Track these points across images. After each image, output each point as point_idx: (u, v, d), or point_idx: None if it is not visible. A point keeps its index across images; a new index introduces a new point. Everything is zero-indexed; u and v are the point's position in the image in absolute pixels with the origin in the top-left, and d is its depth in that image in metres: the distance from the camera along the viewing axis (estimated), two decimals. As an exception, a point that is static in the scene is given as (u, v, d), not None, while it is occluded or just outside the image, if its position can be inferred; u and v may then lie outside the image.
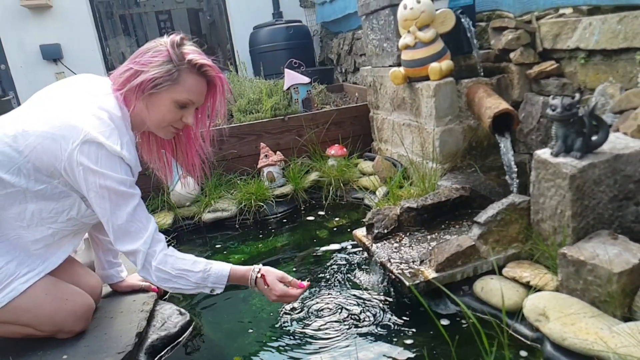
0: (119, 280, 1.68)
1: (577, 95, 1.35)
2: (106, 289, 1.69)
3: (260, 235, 2.38)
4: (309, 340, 1.45)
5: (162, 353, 1.46)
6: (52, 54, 5.16)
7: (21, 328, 1.31)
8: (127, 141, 1.28)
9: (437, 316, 1.44)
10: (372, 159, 2.76)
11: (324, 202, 2.60)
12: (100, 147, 1.22)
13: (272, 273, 1.37)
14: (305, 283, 1.40)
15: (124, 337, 1.38)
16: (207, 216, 2.49)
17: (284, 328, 1.54)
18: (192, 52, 1.32)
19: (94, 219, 1.39)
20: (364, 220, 2.17)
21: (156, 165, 1.56)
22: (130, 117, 1.33)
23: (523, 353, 1.25)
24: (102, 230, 1.63)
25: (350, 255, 1.98)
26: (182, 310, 1.61)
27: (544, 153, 1.42)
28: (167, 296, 1.81)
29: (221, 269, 1.33)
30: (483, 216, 1.54)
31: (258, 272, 1.36)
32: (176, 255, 1.31)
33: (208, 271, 1.31)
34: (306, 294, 1.68)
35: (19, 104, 5.16)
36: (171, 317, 1.56)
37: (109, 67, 5.51)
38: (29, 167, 1.25)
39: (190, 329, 1.56)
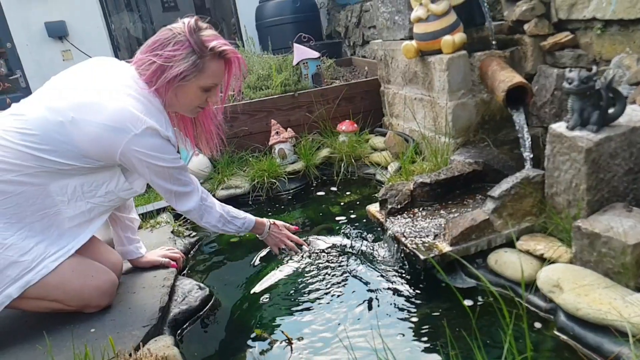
0: (138, 256, 1.73)
1: (594, 68, 1.33)
2: (126, 266, 1.73)
3: (274, 211, 2.41)
4: (325, 310, 1.49)
5: (184, 326, 1.51)
6: (58, 32, 5.12)
7: (50, 303, 1.36)
8: (169, 123, 1.41)
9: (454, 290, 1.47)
10: (383, 135, 2.76)
11: (336, 178, 2.62)
12: (154, 134, 1.34)
13: (280, 221, 1.85)
14: (294, 227, 1.89)
15: (148, 312, 1.43)
16: (221, 193, 2.52)
17: (300, 300, 1.58)
18: (212, 38, 1.39)
19: (130, 194, 1.49)
20: (375, 195, 2.20)
21: (179, 137, 1.65)
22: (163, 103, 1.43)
23: (537, 325, 1.28)
24: (120, 207, 1.67)
25: (363, 230, 2.01)
26: (202, 284, 1.66)
27: (559, 127, 1.41)
28: (185, 271, 1.87)
29: (252, 218, 1.72)
30: (497, 190, 1.55)
31: (272, 221, 1.81)
32: (229, 207, 1.67)
33: (245, 218, 1.69)
34: (322, 265, 1.73)
35: (26, 83, 5.16)
36: (191, 291, 1.61)
37: (115, 44, 5.48)
38: (76, 152, 1.32)
39: (210, 303, 1.61)
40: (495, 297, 1.03)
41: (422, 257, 1.49)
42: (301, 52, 3.00)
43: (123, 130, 1.30)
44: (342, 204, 2.36)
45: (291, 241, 1.83)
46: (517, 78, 1.85)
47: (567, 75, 1.35)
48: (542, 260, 1.41)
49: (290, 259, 1.82)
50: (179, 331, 1.49)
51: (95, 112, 1.30)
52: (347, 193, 2.47)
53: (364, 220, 2.09)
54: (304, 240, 1.89)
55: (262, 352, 1.35)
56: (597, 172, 1.33)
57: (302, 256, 1.83)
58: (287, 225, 1.86)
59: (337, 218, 2.19)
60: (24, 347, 1.30)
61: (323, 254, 1.85)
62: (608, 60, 1.82)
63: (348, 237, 1.96)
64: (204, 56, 1.38)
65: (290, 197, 2.58)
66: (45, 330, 1.31)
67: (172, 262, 1.73)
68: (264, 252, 1.94)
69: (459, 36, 2.02)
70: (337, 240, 1.93)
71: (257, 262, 1.89)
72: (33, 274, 1.29)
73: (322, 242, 1.93)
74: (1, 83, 3.50)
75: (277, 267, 1.82)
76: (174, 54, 1.36)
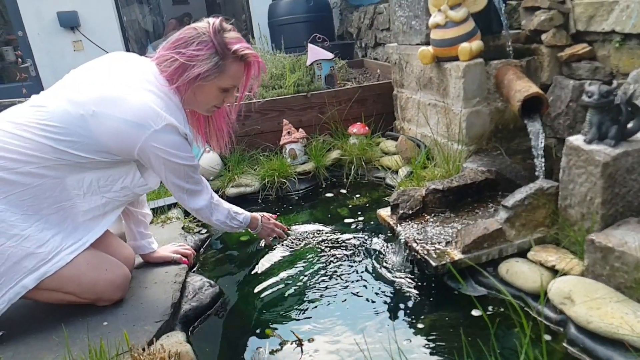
0: (150, 251, 1.74)
1: (615, 83, 1.34)
2: (137, 260, 1.74)
3: (282, 211, 2.42)
4: (336, 312, 1.50)
5: (195, 323, 1.52)
6: (70, 22, 5.13)
7: (64, 295, 1.38)
8: (187, 121, 1.43)
9: (465, 298, 1.48)
10: (394, 138, 2.76)
11: (345, 180, 2.63)
12: (173, 131, 1.35)
13: (266, 213, 1.88)
14: (274, 215, 1.92)
15: (160, 307, 1.44)
16: (231, 191, 2.53)
17: (310, 301, 1.59)
18: (235, 41, 1.40)
19: (145, 190, 1.50)
20: (385, 199, 2.20)
21: (193, 133, 1.66)
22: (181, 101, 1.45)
23: (546, 336, 1.28)
24: (133, 202, 1.68)
25: (373, 233, 2.02)
26: (212, 282, 1.67)
27: (576, 139, 1.42)
28: (195, 268, 1.88)
29: (248, 214, 1.75)
30: (510, 200, 1.55)
31: (262, 214, 1.83)
32: (229, 204, 1.70)
33: (244, 214, 1.72)
34: (333, 267, 1.74)
35: (36, 72, 5.18)
36: (202, 288, 1.62)
37: (125, 36, 5.50)
38: (96, 146, 1.33)
39: (220, 300, 1.63)
40: (514, 308, 1.03)
41: (433, 263, 1.50)
42: (315, 53, 3.00)
43: (143, 125, 1.31)
44: (350, 206, 2.36)
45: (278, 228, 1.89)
46: (534, 88, 1.85)
47: (587, 88, 1.35)
48: (553, 271, 1.41)
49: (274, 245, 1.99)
50: (189, 328, 1.50)
51: (117, 106, 1.31)
52: (357, 196, 2.48)
53: (372, 223, 2.10)
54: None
55: (272, 352, 1.36)
56: (612, 186, 1.33)
57: (310, 256, 1.85)
58: (270, 215, 1.90)
59: (346, 220, 2.19)
60: (38, 338, 1.31)
61: (335, 257, 1.86)
62: (625, 73, 1.81)
63: (357, 241, 1.97)
64: (226, 58, 1.39)
65: (299, 197, 2.59)
66: (58, 321, 1.33)
67: (184, 259, 1.74)
68: (262, 243, 1.99)
69: (476, 44, 2.02)
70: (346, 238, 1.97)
71: (262, 244, 2.00)
72: (49, 265, 1.30)
73: (304, 227, 2.09)
74: (18, 73, 3.53)
75: (286, 266, 1.83)
76: (197, 54, 1.36)
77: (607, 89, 1.31)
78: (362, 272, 1.73)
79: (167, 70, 1.39)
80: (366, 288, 1.63)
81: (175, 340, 1.28)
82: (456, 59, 2.08)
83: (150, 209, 1.89)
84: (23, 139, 1.30)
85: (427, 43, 2.25)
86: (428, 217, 1.80)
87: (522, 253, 1.53)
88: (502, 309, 1.41)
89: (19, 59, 3.99)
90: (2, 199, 1.27)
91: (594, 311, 1.19)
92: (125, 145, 1.34)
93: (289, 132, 2.74)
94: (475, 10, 2.04)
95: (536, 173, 1.75)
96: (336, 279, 1.70)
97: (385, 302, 1.54)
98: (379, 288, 1.62)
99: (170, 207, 2.28)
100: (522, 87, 1.87)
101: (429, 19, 2.14)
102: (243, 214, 1.72)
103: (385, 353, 1.22)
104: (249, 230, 1.79)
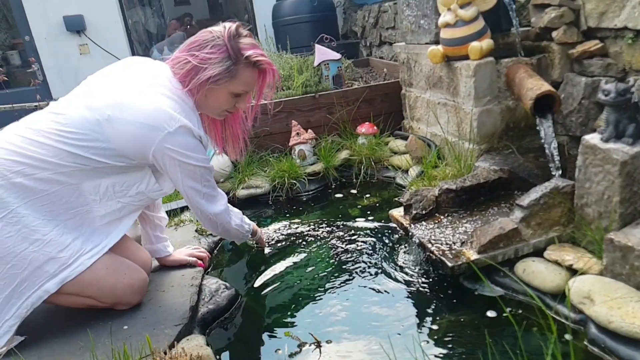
0: (165, 254, 1.75)
1: (632, 80, 1.33)
2: (153, 264, 1.75)
3: (292, 212, 2.42)
4: (352, 314, 1.51)
5: (212, 325, 1.53)
6: (76, 26, 5.16)
7: (85, 299, 1.39)
8: (201, 123, 1.44)
9: (480, 299, 1.48)
10: (403, 138, 2.76)
11: (355, 180, 2.63)
12: (187, 133, 1.35)
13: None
14: None
15: (179, 310, 1.45)
16: (241, 192, 2.54)
17: (326, 302, 1.59)
18: (249, 47, 1.41)
19: (159, 194, 1.51)
20: (396, 199, 2.20)
21: (210, 138, 1.68)
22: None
23: (567, 336, 1.28)
24: (149, 206, 1.69)
25: (385, 234, 2.02)
26: (227, 284, 1.68)
27: (592, 138, 1.41)
28: (210, 270, 1.88)
29: (252, 222, 1.80)
30: (526, 199, 1.55)
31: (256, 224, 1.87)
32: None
33: (245, 218, 1.74)
34: (347, 268, 1.74)
35: (43, 75, 5.20)
36: (218, 290, 1.63)
37: (131, 39, 5.51)
38: (112, 150, 1.34)
39: (236, 302, 1.63)
40: (536, 308, 1.03)
41: (449, 264, 1.50)
42: (323, 53, 3.00)
43: (157, 128, 1.32)
44: (361, 206, 2.36)
45: None
46: (546, 86, 1.84)
47: (604, 87, 1.35)
48: (570, 270, 1.41)
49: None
50: (207, 330, 1.50)
51: (131, 110, 1.32)
52: (367, 196, 2.48)
53: (384, 223, 2.10)
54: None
55: (291, 355, 1.36)
56: (631, 185, 1.33)
57: (323, 257, 1.85)
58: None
59: (357, 221, 2.19)
60: (60, 342, 1.32)
61: (347, 258, 1.87)
62: (638, 70, 1.81)
63: (369, 241, 1.97)
64: (239, 63, 1.40)
65: (309, 198, 2.59)
66: (78, 325, 1.34)
67: (199, 261, 1.75)
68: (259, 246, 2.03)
69: (486, 42, 2.02)
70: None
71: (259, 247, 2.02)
72: (70, 270, 1.31)
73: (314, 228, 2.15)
74: (32, 80, 3.56)
75: (300, 268, 1.83)
76: (210, 57, 1.37)
77: (624, 87, 1.31)
78: (376, 272, 1.73)
79: (180, 72, 1.41)
80: (381, 288, 1.63)
81: (196, 344, 1.29)
82: (466, 57, 2.08)
83: (163, 212, 1.90)
84: (41, 145, 1.31)
85: (437, 42, 2.24)
86: (441, 217, 1.80)
87: (538, 252, 1.53)
88: (520, 310, 1.41)
89: (32, 66, 4.01)
90: (25, 204, 1.28)
91: (615, 311, 1.19)
92: (139, 148, 1.35)
93: (297, 133, 2.74)
94: (485, 8, 2.04)
95: (552, 172, 1.74)
96: (350, 280, 1.71)
97: (401, 303, 1.54)
98: (394, 289, 1.62)
99: (183, 209, 2.29)
100: (533, 86, 1.86)
101: (438, 18, 2.14)
102: (246, 218, 1.75)
103: (408, 354, 1.22)
104: (249, 237, 1.79)
